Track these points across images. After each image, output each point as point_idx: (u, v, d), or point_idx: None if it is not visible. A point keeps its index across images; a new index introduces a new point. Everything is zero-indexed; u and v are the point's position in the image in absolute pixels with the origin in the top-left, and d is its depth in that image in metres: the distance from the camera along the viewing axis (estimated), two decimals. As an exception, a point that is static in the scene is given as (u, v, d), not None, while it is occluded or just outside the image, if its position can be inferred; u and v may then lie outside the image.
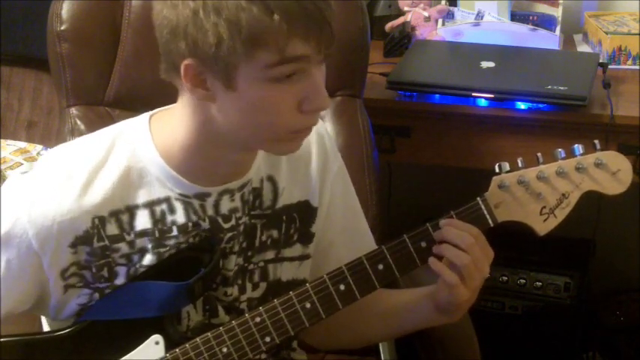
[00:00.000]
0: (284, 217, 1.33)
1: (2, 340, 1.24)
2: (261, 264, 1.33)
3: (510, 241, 2.13)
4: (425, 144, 1.99)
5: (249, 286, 1.33)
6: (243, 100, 1.12)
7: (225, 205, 1.27)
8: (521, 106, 1.89)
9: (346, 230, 1.41)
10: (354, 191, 1.43)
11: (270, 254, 1.33)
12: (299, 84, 1.12)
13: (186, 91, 1.16)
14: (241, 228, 1.29)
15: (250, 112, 1.13)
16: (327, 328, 1.40)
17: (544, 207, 1.26)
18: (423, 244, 1.24)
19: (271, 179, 1.31)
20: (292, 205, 1.34)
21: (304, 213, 1.35)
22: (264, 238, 1.32)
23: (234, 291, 1.31)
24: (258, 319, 1.24)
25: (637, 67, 2.08)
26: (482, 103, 1.91)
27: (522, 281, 2.20)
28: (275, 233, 1.33)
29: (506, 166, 1.26)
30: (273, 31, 1.07)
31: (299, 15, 1.07)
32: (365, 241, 1.41)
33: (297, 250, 1.36)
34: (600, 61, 2.02)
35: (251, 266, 1.32)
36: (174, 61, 1.14)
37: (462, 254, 1.21)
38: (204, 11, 1.08)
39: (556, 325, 2.19)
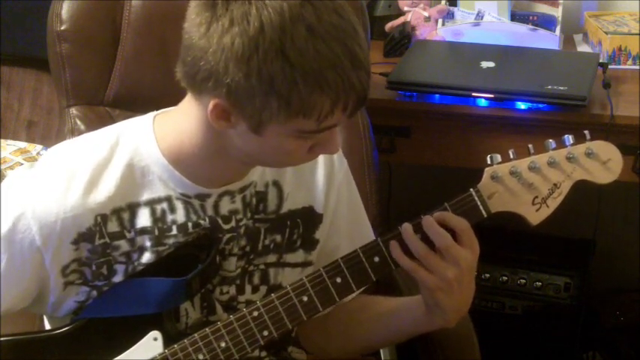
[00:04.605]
0: (288, 222, 1.33)
1: (2, 339, 1.24)
2: (262, 266, 1.33)
3: (510, 241, 2.14)
4: (425, 144, 1.98)
5: (248, 287, 1.33)
6: (265, 143, 1.15)
7: (225, 206, 1.27)
8: (521, 106, 1.89)
9: (351, 234, 1.41)
10: (358, 194, 1.43)
11: (271, 258, 1.33)
12: (320, 135, 1.15)
13: (204, 111, 1.15)
14: (242, 230, 1.29)
15: (268, 151, 1.17)
16: (323, 332, 1.40)
17: (536, 197, 1.26)
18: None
19: (276, 184, 1.32)
20: (297, 211, 1.34)
21: (308, 219, 1.35)
22: (267, 242, 1.32)
23: (230, 289, 1.31)
24: (255, 314, 1.24)
25: (637, 67, 2.08)
26: (482, 103, 1.91)
27: (522, 281, 2.20)
28: (278, 238, 1.33)
29: (498, 157, 1.27)
30: (318, 107, 1.09)
31: (346, 93, 1.09)
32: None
33: (299, 256, 1.36)
34: (600, 61, 2.02)
35: (251, 267, 1.32)
36: (200, 89, 1.13)
37: (430, 254, 1.21)
38: (258, 79, 1.07)
39: (556, 325, 2.19)
